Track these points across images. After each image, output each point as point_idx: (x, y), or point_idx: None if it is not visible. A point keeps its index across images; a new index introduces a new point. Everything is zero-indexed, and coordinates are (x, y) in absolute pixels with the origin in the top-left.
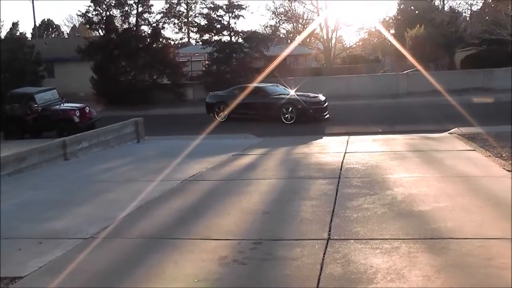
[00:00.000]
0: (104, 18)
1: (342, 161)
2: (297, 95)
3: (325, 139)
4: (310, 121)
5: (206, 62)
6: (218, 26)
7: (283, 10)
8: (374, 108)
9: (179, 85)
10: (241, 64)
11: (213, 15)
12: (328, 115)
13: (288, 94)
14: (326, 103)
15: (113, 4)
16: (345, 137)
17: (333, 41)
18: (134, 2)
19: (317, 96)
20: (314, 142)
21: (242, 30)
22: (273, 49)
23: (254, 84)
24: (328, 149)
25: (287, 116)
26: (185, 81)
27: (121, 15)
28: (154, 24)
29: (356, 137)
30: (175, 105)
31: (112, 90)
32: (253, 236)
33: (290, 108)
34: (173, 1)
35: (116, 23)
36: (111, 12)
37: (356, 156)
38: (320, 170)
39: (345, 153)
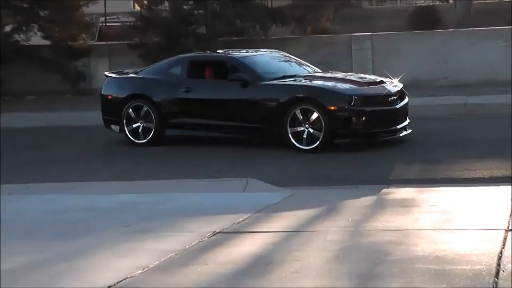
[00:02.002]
0: None
1: (501, 253)
2: (326, 77)
3: (459, 193)
4: (357, 141)
5: None
6: None
7: None
8: None
9: (73, 53)
10: None
11: None
12: (406, 130)
13: (304, 76)
14: (405, 100)
15: None
16: (508, 188)
17: None
18: None
19: (380, 82)
20: (423, 201)
21: None
22: None
23: (223, 53)
24: (461, 218)
25: (303, 132)
26: (89, 42)
27: None
28: None
29: None
30: (63, 102)
31: None
32: None
33: (310, 113)
34: None
35: None
36: None
37: None
38: (448, 277)
39: (508, 230)
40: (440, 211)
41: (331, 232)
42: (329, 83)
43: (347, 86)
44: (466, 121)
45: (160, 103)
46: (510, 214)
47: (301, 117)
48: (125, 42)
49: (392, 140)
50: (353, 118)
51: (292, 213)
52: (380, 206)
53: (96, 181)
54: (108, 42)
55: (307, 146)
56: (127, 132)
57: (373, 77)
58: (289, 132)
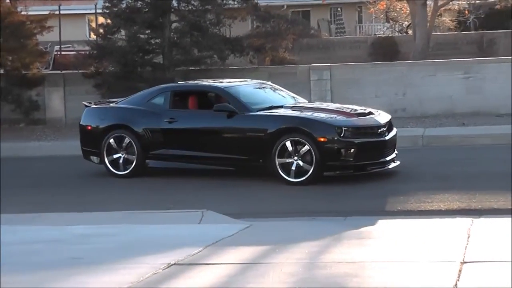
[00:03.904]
0: None
1: (456, 285)
2: (313, 108)
3: (415, 226)
4: (347, 174)
5: (104, 22)
6: None
7: None
8: None
9: (27, 82)
10: (193, 26)
11: None
12: (394, 161)
13: (291, 107)
14: (393, 132)
15: None
16: (465, 221)
17: None
18: None
19: (369, 114)
20: (380, 233)
21: None
22: None
23: (207, 83)
24: (417, 251)
25: (291, 164)
26: (43, 71)
27: None
28: None
29: (492, 221)
30: (16, 132)
31: None
32: None
33: (300, 144)
34: None
35: None
36: None
37: (495, 272)
38: None
39: (463, 263)
40: (396, 243)
41: (287, 264)
42: (319, 114)
43: (337, 117)
44: (424, 153)
45: (142, 133)
46: (466, 247)
47: (290, 149)
48: (80, 71)
49: (382, 171)
50: (344, 150)
51: (248, 245)
52: (337, 238)
53: (49, 212)
54: (63, 71)
55: (296, 178)
56: (107, 163)
57: (360, 108)
58: (277, 164)
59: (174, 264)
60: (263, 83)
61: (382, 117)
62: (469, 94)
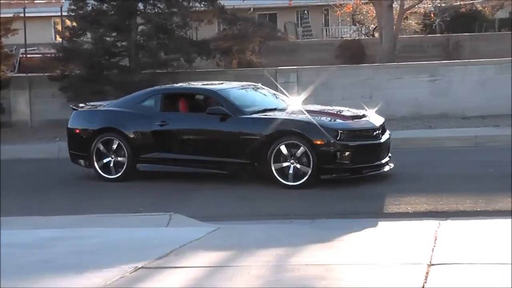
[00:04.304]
0: None
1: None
2: (308, 111)
3: (383, 228)
4: (344, 177)
5: (70, 24)
6: None
7: None
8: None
9: None
10: (160, 29)
11: None
12: (389, 164)
13: (285, 110)
14: (387, 135)
15: None
16: (432, 223)
17: None
18: None
19: (363, 116)
20: (348, 236)
21: None
22: None
23: (199, 85)
24: (385, 253)
25: (288, 168)
26: (8, 74)
27: None
28: None
29: (459, 223)
30: None
31: None
32: None
33: (296, 148)
34: None
35: None
36: None
37: (462, 274)
38: None
39: (430, 265)
40: (363, 246)
41: (255, 267)
42: (314, 117)
43: (333, 120)
44: (391, 155)
45: (132, 137)
46: (433, 249)
47: (286, 152)
48: (46, 74)
49: (377, 174)
50: (340, 153)
51: (216, 248)
52: (306, 240)
53: (15, 216)
54: (29, 74)
55: (293, 182)
56: (97, 167)
57: (354, 110)
58: (273, 167)
59: (142, 267)
60: (253, 85)
61: (376, 119)
62: (436, 97)
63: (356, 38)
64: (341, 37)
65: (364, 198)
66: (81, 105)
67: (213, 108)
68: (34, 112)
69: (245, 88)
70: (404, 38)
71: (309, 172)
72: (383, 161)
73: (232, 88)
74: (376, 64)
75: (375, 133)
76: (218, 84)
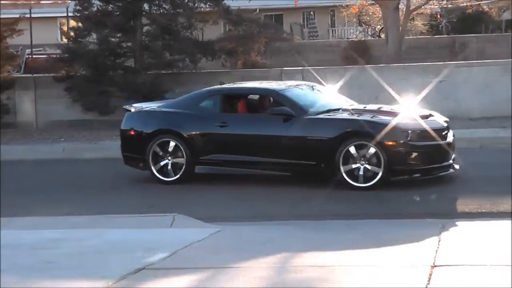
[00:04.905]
0: None
1: None
2: (374, 111)
3: (386, 229)
4: (415, 179)
5: (75, 25)
6: None
7: None
8: None
9: None
10: (165, 30)
11: None
12: (455, 164)
13: (350, 110)
14: (452, 135)
15: None
16: (434, 222)
17: None
18: None
19: (430, 116)
20: (343, 235)
21: None
22: None
23: (259, 85)
24: (388, 255)
25: (357, 169)
26: (14, 74)
27: None
28: None
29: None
30: None
31: None
32: None
33: (366, 149)
34: None
35: None
36: None
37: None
38: None
39: (434, 266)
40: (366, 247)
41: (258, 268)
42: (383, 117)
43: (402, 120)
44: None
45: (191, 138)
46: (437, 250)
47: (356, 153)
48: (51, 74)
49: (445, 174)
50: (412, 154)
51: (219, 249)
52: (309, 242)
53: (20, 216)
54: (34, 75)
55: (363, 183)
56: (153, 170)
57: (419, 109)
58: (342, 169)
59: (144, 268)
60: (311, 85)
61: (442, 118)
62: (441, 98)
63: (362, 39)
64: (347, 38)
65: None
66: (135, 105)
67: (277, 108)
68: (39, 112)
69: (302, 87)
70: (410, 39)
71: (380, 174)
72: (451, 161)
73: (293, 88)
74: (382, 65)
75: (443, 132)
76: (276, 83)
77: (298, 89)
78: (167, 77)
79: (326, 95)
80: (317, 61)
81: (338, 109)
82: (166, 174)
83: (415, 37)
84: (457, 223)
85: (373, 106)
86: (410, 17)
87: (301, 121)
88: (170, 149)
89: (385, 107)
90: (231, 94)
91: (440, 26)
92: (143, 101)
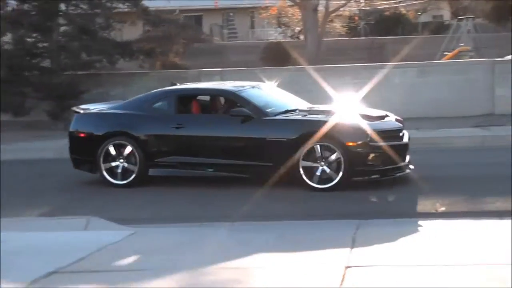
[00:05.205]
0: None
1: None
2: (332, 112)
3: (306, 230)
4: (374, 180)
5: None
6: None
7: None
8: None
9: None
10: (82, 30)
11: None
12: (410, 165)
13: (308, 110)
14: (406, 135)
15: None
16: (349, 223)
17: None
18: None
19: (386, 116)
20: (256, 237)
21: None
22: None
23: (215, 86)
24: (294, 255)
25: (317, 170)
26: None
27: None
28: None
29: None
30: None
31: None
32: None
33: (327, 150)
34: None
35: None
36: None
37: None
38: None
39: (347, 267)
40: (281, 248)
41: (171, 270)
42: (341, 118)
43: (361, 120)
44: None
45: (144, 140)
46: (350, 251)
47: (316, 154)
48: None
49: (401, 175)
50: (372, 155)
51: (133, 251)
52: (224, 243)
53: None
54: None
55: (322, 184)
56: (104, 173)
57: (375, 110)
58: (302, 170)
59: (55, 272)
60: (264, 85)
61: (397, 120)
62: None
63: (282, 40)
64: (267, 40)
65: (288, 200)
66: (82, 107)
67: (236, 109)
68: None
69: (261, 88)
70: (329, 40)
71: (340, 174)
72: (406, 162)
73: (249, 88)
74: (301, 66)
75: (400, 133)
76: (231, 84)
77: (253, 89)
78: (85, 78)
79: (279, 95)
80: (236, 63)
81: (295, 110)
82: (117, 177)
83: (334, 39)
84: (372, 223)
85: (329, 107)
86: (329, 19)
87: (260, 122)
88: (122, 152)
89: (343, 108)
90: (186, 95)
91: (359, 28)
92: (58, 102)
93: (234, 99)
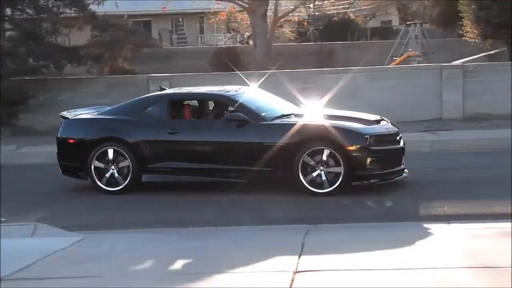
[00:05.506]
0: None
1: None
2: (328, 116)
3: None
4: (374, 184)
5: None
6: None
7: None
8: None
9: None
10: (29, 35)
11: None
12: (405, 168)
13: (304, 115)
14: (402, 140)
15: None
16: (299, 228)
17: None
18: None
19: (381, 120)
20: (203, 242)
21: None
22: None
23: (211, 90)
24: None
25: (318, 175)
26: None
27: None
28: None
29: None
30: None
31: None
32: None
33: (326, 154)
34: None
35: None
36: None
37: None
38: None
39: (296, 272)
40: (233, 253)
41: (117, 277)
42: (341, 122)
43: (359, 125)
44: None
45: (137, 146)
46: (300, 256)
47: (316, 159)
48: None
49: (397, 179)
50: (371, 159)
51: (81, 258)
52: (176, 249)
53: None
54: None
55: (323, 189)
56: (96, 180)
57: (370, 115)
58: (301, 175)
59: (1, 279)
60: (257, 90)
61: (392, 124)
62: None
63: (231, 45)
64: (216, 45)
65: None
66: (70, 112)
67: (232, 114)
68: None
69: (253, 93)
70: (278, 46)
71: (340, 179)
72: (403, 166)
73: (243, 93)
74: (249, 72)
75: (397, 137)
76: (224, 88)
77: (248, 94)
78: (32, 83)
79: (268, 98)
80: (186, 68)
81: (290, 114)
82: (109, 184)
83: (283, 44)
84: (321, 228)
85: (325, 111)
86: (278, 24)
87: (257, 127)
88: (114, 158)
89: (338, 112)
90: (179, 100)
91: (308, 33)
92: (5, 108)
93: (230, 104)
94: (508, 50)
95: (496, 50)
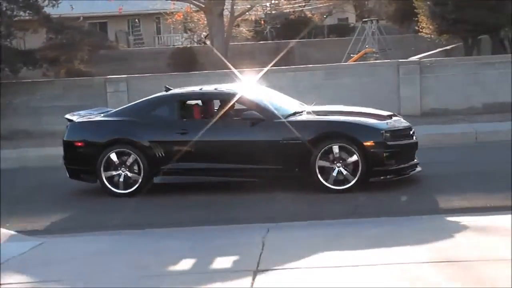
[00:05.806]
0: None
1: None
2: (341, 112)
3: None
4: (390, 179)
5: None
6: None
7: None
8: None
9: None
10: None
11: None
12: (418, 163)
13: (315, 112)
14: (415, 135)
15: None
16: (261, 227)
17: None
18: None
19: (394, 115)
20: (169, 244)
21: None
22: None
23: (221, 89)
24: (206, 260)
25: (333, 171)
26: None
27: None
28: None
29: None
30: None
31: None
32: None
33: (343, 150)
34: None
35: None
36: None
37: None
38: None
39: (257, 271)
40: (194, 254)
41: (77, 281)
42: (356, 118)
43: (375, 120)
44: None
45: (148, 148)
46: (260, 254)
47: (332, 155)
48: None
49: (411, 174)
50: (388, 154)
51: (39, 263)
52: (140, 251)
53: None
54: None
55: (339, 186)
56: (105, 182)
57: (381, 111)
58: (318, 171)
59: None
60: (264, 88)
61: (402, 120)
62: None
63: (188, 46)
64: (173, 45)
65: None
66: (75, 114)
67: (247, 112)
68: None
69: (261, 90)
70: (235, 45)
71: (358, 175)
72: (416, 160)
73: (254, 90)
74: (207, 72)
75: (410, 131)
76: (232, 86)
77: (257, 91)
78: None
79: (274, 96)
80: (143, 69)
81: (302, 112)
82: (119, 186)
83: (240, 43)
84: (281, 226)
85: (336, 108)
86: (235, 24)
87: (272, 125)
88: (125, 160)
89: (350, 108)
90: (188, 100)
91: (265, 32)
92: None
93: (242, 102)
94: (464, 45)
95: (452, 46)
